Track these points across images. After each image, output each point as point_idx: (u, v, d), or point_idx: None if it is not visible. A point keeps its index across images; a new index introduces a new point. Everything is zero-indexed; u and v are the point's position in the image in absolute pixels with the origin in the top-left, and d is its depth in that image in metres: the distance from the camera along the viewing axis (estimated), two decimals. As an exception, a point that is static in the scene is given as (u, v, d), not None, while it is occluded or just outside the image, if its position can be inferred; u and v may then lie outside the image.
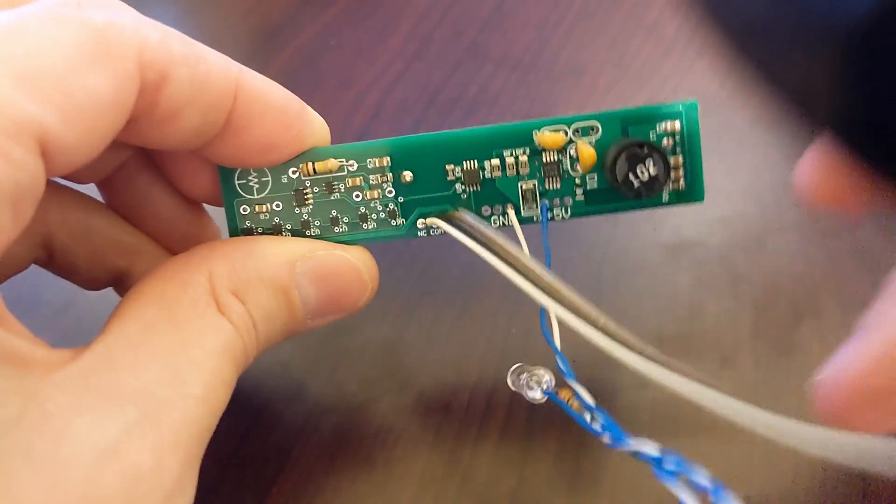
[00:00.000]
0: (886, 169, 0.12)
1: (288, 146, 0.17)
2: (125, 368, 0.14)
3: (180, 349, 0.14)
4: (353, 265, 0.18)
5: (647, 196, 0.17)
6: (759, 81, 0.12)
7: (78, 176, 0.19)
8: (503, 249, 0.16)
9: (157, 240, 0.20)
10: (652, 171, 0.17)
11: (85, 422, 0.13)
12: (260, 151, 0.17)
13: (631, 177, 0.17)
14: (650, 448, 0.15)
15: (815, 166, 0.15)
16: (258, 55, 0.35)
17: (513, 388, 0.18)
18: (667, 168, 0.17)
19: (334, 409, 0.21)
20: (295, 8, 0.37)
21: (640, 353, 0.15)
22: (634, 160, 0.17)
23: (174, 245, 0.20)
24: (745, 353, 0.22)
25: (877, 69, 0.10)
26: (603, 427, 0.16)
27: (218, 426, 0.21)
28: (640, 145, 0.17)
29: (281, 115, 0.17)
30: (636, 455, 0.15)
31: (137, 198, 0.19)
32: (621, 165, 0.17)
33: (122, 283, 0.20)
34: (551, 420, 0.20)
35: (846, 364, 0.14)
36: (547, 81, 0.32)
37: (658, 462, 0.14)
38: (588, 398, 0.16)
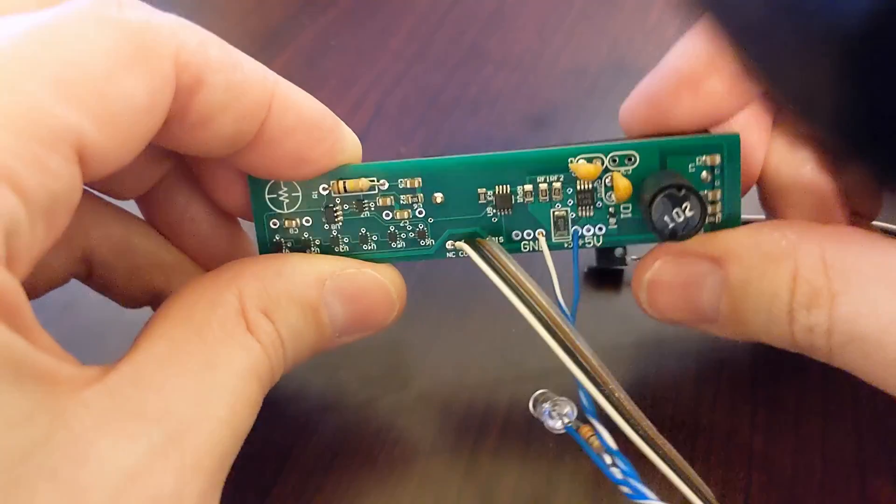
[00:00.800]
0: (886, 168, 0.12)
1: (319, 161, 0.17)
2: (152, 389, 0.13)
3: (207, 370, 0.14)
4: (381, 284, 0.18)
5: (682, 238, 0.17)
6: (759, 81, 0.12)
7: (118, 191, 0.19)
8: (525, 289, 0.16)
9: (195, 258, 0.20)
10: (689, 213, 0.17)
11: (109, 444, 0.12)
12: (291, 164, 0.17)
13: (667, 218, 0.17)
14: None
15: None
16: (259, 56, 0.35)
17: (533, 415, 0.18)
18: (703, 212, 0.17)
19: (335, 409, 0.21)
20: (295, 9, 0.37)
21: (644, 435, 0.16)
22: (672, 202, 0.17)
23: (211, 264, 0.20)
24: (745, 353, 0.22)
25: (877, 69, 0.10)
26: (623, 475, 0.16)
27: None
28: (679, 188, 0.17)
29: (314, 128, 0.17)
30: None
31: (176, 213, 0.19)
32: (657, 206, 0.17)
33: (158, 301, 0.20)
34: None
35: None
36: (547, 82, 0.32)
37: None
38: (610, 441, 0.16)
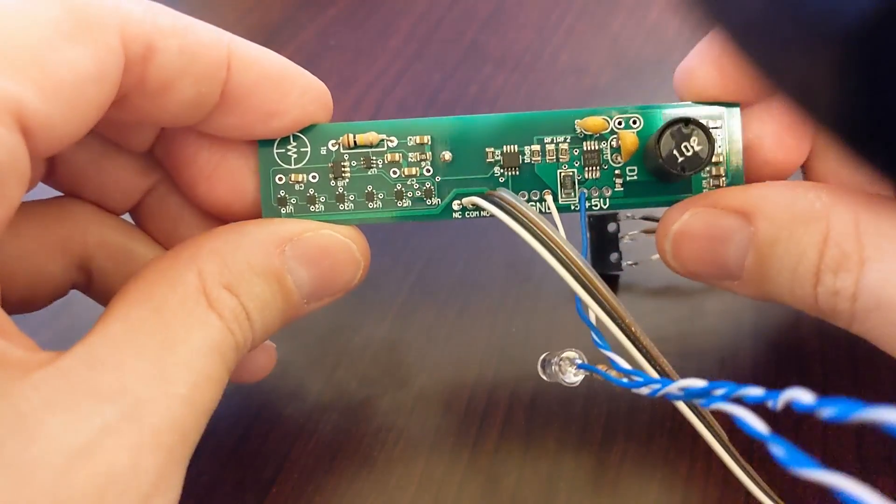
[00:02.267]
0: (886, 168, 0.12)
1: (290, 112, 0.17)
2: (107, 368, 0.13)
3: (166, 348, 0.14)
4: (343, 244, 0.17)
5: (690, 172, 0.17)
6: (759, 81, 0.12)
7: (109, 205, 0.19)
8: (543, 231, 0.16)
9: None
10: (696, 147, 0.17)
11: (58, 422, 0.12)
12: (261, 120, 0.17)
13: (675, 152, 0.17)
14: (696, 382, 0.14)
15: (703, 59, 0.17)
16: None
17: (546, 379, 0.18)
18: (711, 144, 0.17)
19: (334, 409, 0.21)
20: (294, 8, 0.37)
21: (655, 362, 0.16)
22: (679, 137, 0.17)
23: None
24: (745, 353, 0.22)
25: (877, 68, 0.10)
26: (644, 380, 0.16)
27: (218, 426, 0.21)
28: (687, 122, 0.17)
29: (277, 81, 0.17)
30: (685, 394, 0.15)
31: (170, 222, 0.19)
32: (666, 141, 0.17)
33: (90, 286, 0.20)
34: (550, 418, 0.20)
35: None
36: (547, 82, 0.32)
37: (706, 392, 0.14)
38: (624, 363, 0.16)
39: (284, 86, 0.17)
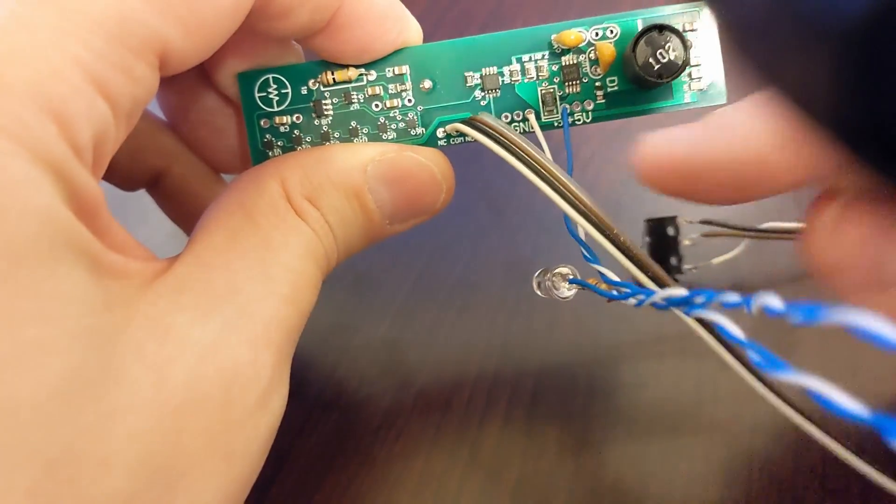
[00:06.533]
0: (886, 169, 0.12)
1: (384, 49, 0.18)
2: (217, 270, 0.14)
3: (266, 251, 0.15)
4: (425, 165, 0.18)
5: (668, 78, 0.17)
6: (759, 81, 0.12)
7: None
8: (526, 152, 0.16)
9: (204, 152, 0.20)
10: (672, 55, 0.17)
11: (186, 321, 0.13)
12: (357, 51, 0.17)
13: (651, 60, 0.17)
14: (678, 291, 0.15)
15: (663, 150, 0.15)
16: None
17: (540, 294, 0.18)
18: (686, 49, 0.17)
19: (335, 407, 0.21)
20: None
21: (647, 270, 0.16)
22: (655, 44, 0.17)
23: (222, 158, 0.20)
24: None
25: (877, 69, 0.10)
26: (631, 291, 0.16)
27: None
28: (661, 30, 0.17)
29: (382, 19, 0.17)
30: (668, 303, 0.15)
31: (186, 101, 0.20)
32: (642, 49, 0.17)
33: (157, 184, 0.20)
34: (550, 417, 0.20)
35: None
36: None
37: (688, 300, 0.14)
38: (613, 276, 0.17)
39: (387, 24, 0.17)
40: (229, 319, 0.14)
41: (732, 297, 0.13)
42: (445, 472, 0.19)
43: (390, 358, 0.22)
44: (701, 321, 0.16)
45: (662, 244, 0.23)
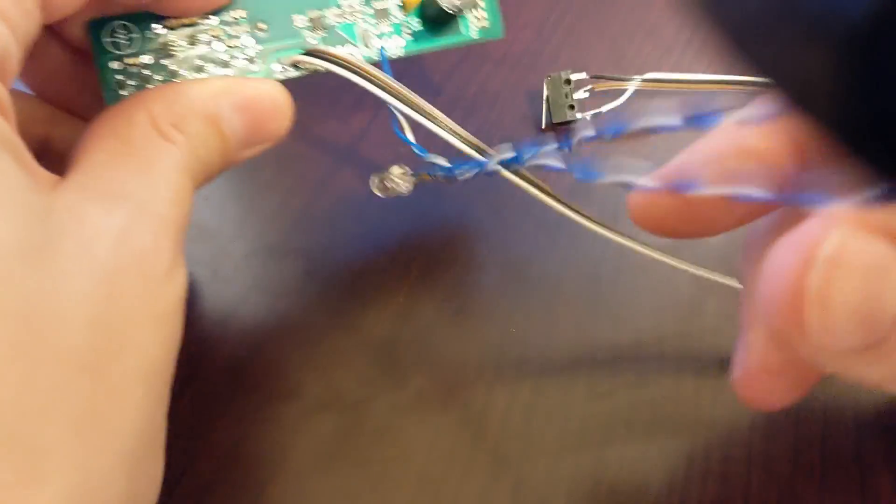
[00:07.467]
0: (887, 169, 0.12)
1: (221, 2, 0.20)
2: (107, 181, 0.16)
3: (146, 166, 0.17)
4: (269, 93, 0.19)
5: (457, 13, 0.21)
6: (759, 77, 0.12)
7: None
8: (360, 67, 0.20)
9: (64, 106, 0.22)
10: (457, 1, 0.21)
11: (96, 212, 0.15)
12: (198, 9, 0.20)
13: (438, 2, 0.21)
14: (507, 154, 0.19)
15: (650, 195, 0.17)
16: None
17: (381, 195, 0.22)
18: None
19: (331, 408, 0.21)
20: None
21: (465, 140, 0.20)
22: None
23: (80, 110, 0.22)
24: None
25: (879, 69, 0.10)
26: (468, 165, 0.20)
27: (215, 425, 0.21)
28: None
29: None
30: (502, 163, 0.20)
31: (40, 65, 0.21)
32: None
33: (46, 153, 0.21)
34: (549, 418, 0.20)
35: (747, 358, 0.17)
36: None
37: (518, 158, 0.19)
38: (445, 161, 0.21)
39: None
40: (129, 214, 0.16)
41: (553, 146, 0.17)
42: (443, 475, 0.19)
43: (387, 359, 0.22)
44: (528, 179, 0.20)
45: (558, 98, 0.29)
